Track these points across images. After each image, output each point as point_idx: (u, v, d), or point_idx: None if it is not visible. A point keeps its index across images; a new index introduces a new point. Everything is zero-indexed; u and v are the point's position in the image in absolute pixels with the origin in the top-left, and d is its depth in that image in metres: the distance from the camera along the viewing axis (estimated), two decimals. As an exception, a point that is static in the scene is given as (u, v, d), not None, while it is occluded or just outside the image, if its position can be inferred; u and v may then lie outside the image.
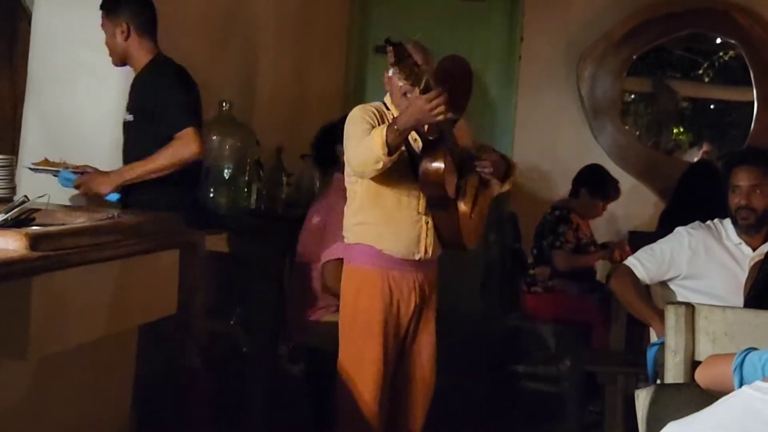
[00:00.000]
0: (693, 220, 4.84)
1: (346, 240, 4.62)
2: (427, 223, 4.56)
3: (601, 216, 7.35)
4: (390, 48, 4.02)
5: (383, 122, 4.40)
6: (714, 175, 5.67)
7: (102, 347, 3.85)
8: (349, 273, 4.61)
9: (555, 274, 6.93)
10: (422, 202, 4.53)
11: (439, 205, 4.55)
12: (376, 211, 4.49)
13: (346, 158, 4.43)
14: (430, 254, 4.63)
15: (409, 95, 4.32)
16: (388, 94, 4.61)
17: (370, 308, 4.52)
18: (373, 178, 4.39)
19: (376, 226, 4.50)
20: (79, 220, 3.81)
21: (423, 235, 4.57)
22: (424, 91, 4.10)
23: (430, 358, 4.82)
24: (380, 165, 4.23)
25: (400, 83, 4.21)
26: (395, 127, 4.18)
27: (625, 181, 8.02)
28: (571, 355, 6.30)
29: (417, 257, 4.59)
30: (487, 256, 7.15)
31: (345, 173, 4.57)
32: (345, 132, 4.45)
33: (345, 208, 4.63)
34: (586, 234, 7.17)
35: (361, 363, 4.52)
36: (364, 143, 4.27)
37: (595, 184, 7.14)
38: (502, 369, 6.70)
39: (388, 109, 4.53)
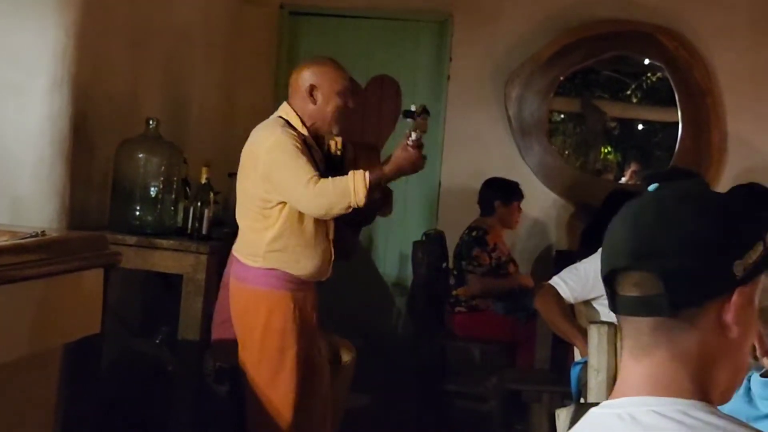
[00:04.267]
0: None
1: (254, 264, 4.61)
2: (331, 246, 4.68)
3: (519, 216, 7.42)
4: (425, 116, 4.58)
5: (304, 146, 4.51)
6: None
7: (25, 366, 3.81)
8: (258, 296, 4.62)
9: (476, 295, 6.98)
10: (332, 228, 4.62)
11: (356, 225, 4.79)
12: (297, 238, 4.55)
13: (296, 194, 4.44)
14: (329, 275, 4.79)
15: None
16: (286, 109, 4.70)
17: (283, 330, 4.57)
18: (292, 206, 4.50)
19: (294, 252, 4.55)
20: (2, 239, 3.78)
21: (330, 258, 4.71)
22: (415, 147, 4.55)
23: (328, 374, 4.94)
24: (350, 209, 4.41)
25: (410, 142, 4.55)
26: (384, 175, 4.51)
27: (553, 200, 8.10)
28: (497, 373, 6.32)
29: (323, 279, 4.75)
30: (415, 275, 7.16)
31: (261, 197, 4.57)
32: (280, 161, 4.47)
33: (252, 233, 4.63)
34: (504, 252, 7.24)
35: (276, 385, 4.55)
36: (336, 186, 4.38)
37: (504, 192, 7.26)
38: (429, 388, 6.71)
39: (293, 127, 4.60)
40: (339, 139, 4.82)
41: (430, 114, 4.60)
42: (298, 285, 4.62)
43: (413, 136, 4.53)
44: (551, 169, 8.18)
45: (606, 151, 8.99)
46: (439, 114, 8.19)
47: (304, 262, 4.58)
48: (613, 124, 9.06)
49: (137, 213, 5.35)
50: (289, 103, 4.70)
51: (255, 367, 4.59)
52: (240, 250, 4.69)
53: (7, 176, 4.80)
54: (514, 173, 7.75)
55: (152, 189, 5.37)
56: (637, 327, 1.65)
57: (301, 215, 4.51)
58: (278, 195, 4.48)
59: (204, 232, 5.40)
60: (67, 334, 4.02)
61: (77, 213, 5.14)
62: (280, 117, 4.66)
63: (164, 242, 5.24)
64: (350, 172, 4.42)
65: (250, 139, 4.64)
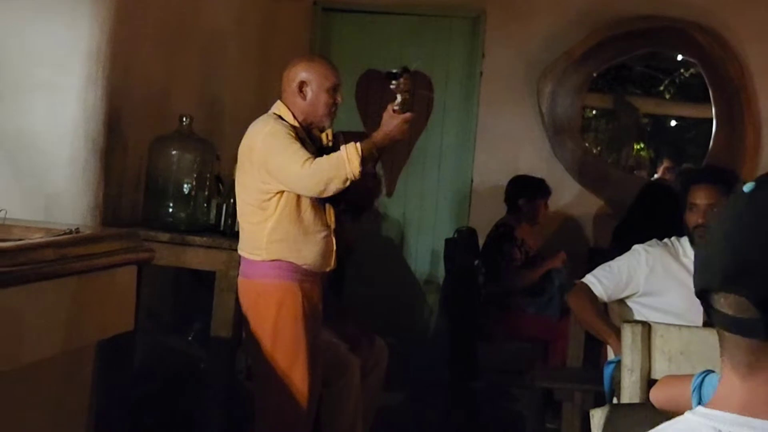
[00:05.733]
0: (646, 237, 4.87)
1: (258, 258, 4.63)
2: (333, 234, 4.71)
3: (546, 213, 7.38)
4: (407, 75, 4.51)
5: (297, 137, 4.56)
6: (669, 196, 5.70)
7: (59, 364, 3.83)
8: (266, 289, 4.65)
9: (507, 292, 6.97)
10: (331, 214, 4.67)
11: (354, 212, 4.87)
12: (296, 226, 4.59)
13: (294, 176, 4.46)
14: (334, 265, 4.79)
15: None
16: (279, 105, 4.77)
17: (295, 320, 4.60)
18: (290, 194, 4.54)
19: (295, 242, 4.59)
20: (37, 236, 3.79)
21: (332, 247, 4.72)
22: (401, 112, 4.55)
23: (358, 373, 5.01)
24: (348, 183, 4.42)
25: (396, 107, 4.55)
26: (374, 143, 4.52)
27: (585, 197, 8.07)
28: (529, 371, 6.31)
29: (327, 269, 4.76)
30: (447, 272, 7.16)
31: (259, 189, 4.59)
32: (275, 148, 4.53)
33: (253, 227, 4.66)
34: (532, 247, 7.23)
35: (291, 376, 4.57)
36: (330, 161, 4.43)
37: (528, 190, 7.25)
38: (461, 386, 6.69)
39: (285, 121, 4.65)
40: (329, 131, 4.87)
41: (410, 72, 4.61)
42: (304, 276, 4.65)
43: (398, 98, 4.56)
44: (584, 166, 8.16)
45: (639, 147, 8.97)
46: (472, 110, 8.20)
47: (305, 251, 4.61)
48: (645, 121, 9.03)
49: (170, 210, 5.36)
50: (281, 99, 4.76)
51: (269, 360, 4.61)
52: (243, 247, 4.74)
53: (42, 173, 4.82)
54: (547, 170, 7.74)
55: (185, 186, 5.38)
56: (736, 343, 1.55)
57: (298, 204, 4.57)
58: (276, 182, 4.53)
59: (236, 229, 5.39)
60: (100, 331, 4.02)
61: (111, 210, 5.15)
62: (274, 113, 4.72)
63: (197, 239, 5.24)
64: (342, 146, 4.49)
65: (245, 135, 4.73)
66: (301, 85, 4.70)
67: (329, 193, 4.49)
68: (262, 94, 7.46)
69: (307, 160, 4.42)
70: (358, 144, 4.44)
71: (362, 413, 5.05)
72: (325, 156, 4.48)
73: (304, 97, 4.70)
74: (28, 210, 4.61)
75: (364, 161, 4.41)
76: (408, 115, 4.57)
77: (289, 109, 4.70)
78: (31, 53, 4.85)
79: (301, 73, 4.73)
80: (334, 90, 4.74)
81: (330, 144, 4.85)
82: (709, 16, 7.91)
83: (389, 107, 4.59)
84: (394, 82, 4.58)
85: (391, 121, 4.56)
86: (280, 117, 4.67)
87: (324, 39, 8.41)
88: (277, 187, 4.54)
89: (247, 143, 4.66)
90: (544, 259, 7.20)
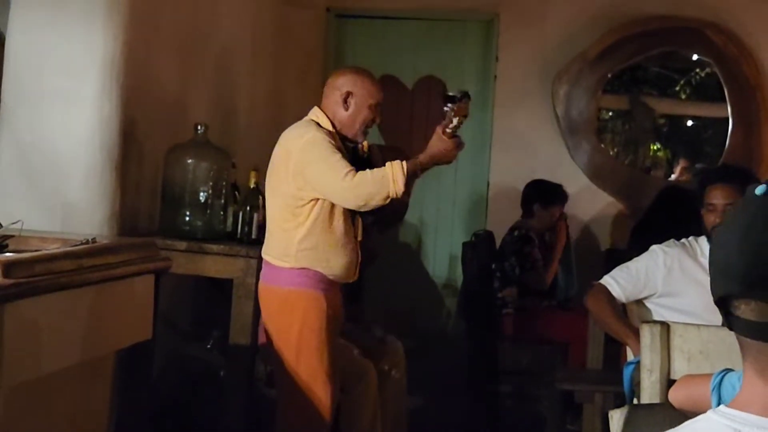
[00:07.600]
0: (663, 238, 4.85)
1: (285, 264, 4.62)
2: (359, 246, 4.71)
3: (559, 218, 7.38)
4: (466, 100, 4.47)
5: (335, 145, 4.53)
6: (687, 199, 5.69)
7: (77, 374, 3.83)
8: (292, 296, 4.64)
9: (524, 294, 6.97)
10: (360, 228, 4.70)
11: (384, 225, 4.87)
12: (327, 236, 4.57)
13: (334, 187, 4.44)
14: (356, 276, 4.80)
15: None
16: (317, 111, 4.74)
17: (320, 330, 4.60)
18: (324, 204, 4.54)
19: (325, 252, 4.58)
20: (53, 247, 3.80)
21: (358, 259, 4.73)
22: (451, 136, 4.51)
23: (374, 377, 4.98)
24: (388, 201, 4.42)
25: (449, 130, 4.49)
26: (419, 164, 4.49)
27: (602, 199, 8.06)
28: (549, 373, 6.30)
29: (351, 280, 4.76)
30: (465, 275, 7.15)
31: (293, 195, 4.58)
32: (316, 157, 4.50)
33: (283, 233, 4.64)
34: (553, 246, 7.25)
35: (314, 386, 4.57)
36: (374, 177, 4.40)
37: (543, 196, 7.24)
38: (481, 389, 6.68)
39: (320, 126, 4.64)
40: (366, 143, 4.85)
41: (471, 98, 4.55)
42: (328, 285, 4.65)
43: (454, 122, 4.50)
44: (600, 167, 8.15)
45: (655, 148, 8.94)
46: (487, 114, 8.18)
47: (333, 261, 4.61)
48: (661, 121, 9.00)
49: (187, 218, 5.36)
50: (320, 106, 4.75)
51: (293, 369, 4.61)
52: (269, 252, 4.72)
53: (58, 183, 4.83)
54: (563, 172, 7.73)
55: (201, 194, 5.38)
56: (758, 349, 1.55)
57: (331, 214, 4.55)
58: (312, 190, 4.51)
59: (253, 236, 5.40)
60: (118, 340, 4.03)
61: (127, 219, 5.16)
62: (311, 119, 4.70)
63: (214, 247, 5.24)
64: (387, 163, 4.45)
65: (280, 140, 4.70)
66: (347, 95, 4.68)
67: (368, 208, 4.47)
68: (276, 102, 7.48)
69: (349, 172, 4.40)
70: (404, 163, 4.41)
71: (391, 419, 5.04)
72: (369, 170, 4.43)
73: (347, 108, 4.68)
74: (44, 220, 4.62)
75: (407, 181, 4.39)
76: (460, 140, 4.55)
77: (327, 116, 4.69)
78: (46, 63, 4.87)
79: (347, 83, 4.71)
80: (376, 108, 4.72)
81: (365, 155, 4.84)
82: (724, 15, 7.89)
83: (438, 129, 4.54)
84: (450, 105, 4.50)
85: (440, 144, 4.52)
86: (318, 125, 4.65)
87: (337, 45, 8.41)
88: (312, 195, 4.52)
89: (283, 148, 4.63)
90: (554, 245, 7.24)
